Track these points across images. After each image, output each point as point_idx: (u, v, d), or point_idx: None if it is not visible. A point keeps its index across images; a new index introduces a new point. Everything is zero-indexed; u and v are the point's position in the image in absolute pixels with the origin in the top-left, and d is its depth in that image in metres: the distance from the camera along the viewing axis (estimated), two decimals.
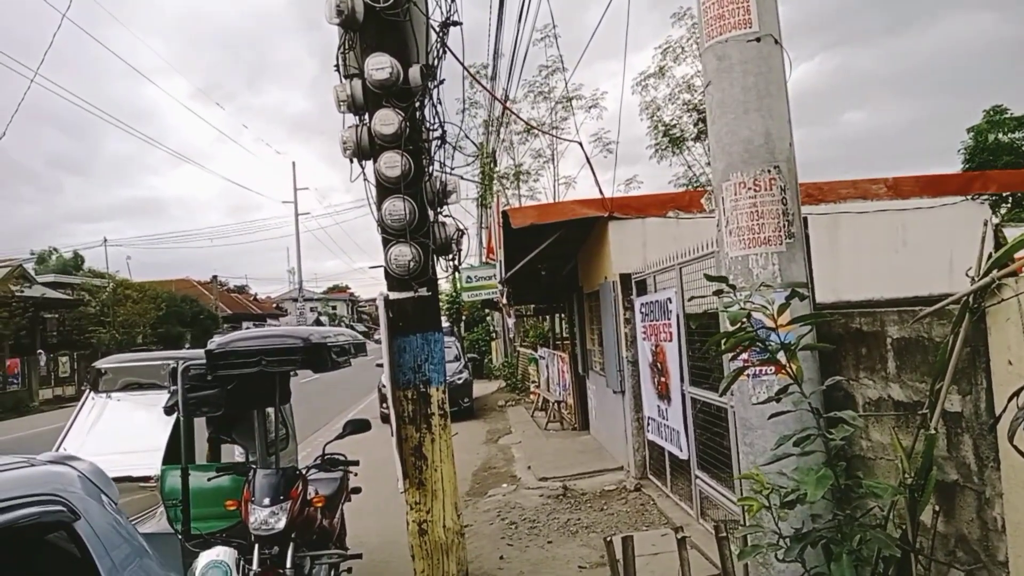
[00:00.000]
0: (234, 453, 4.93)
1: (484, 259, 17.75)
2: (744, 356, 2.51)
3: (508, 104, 14.83)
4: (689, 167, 16.35)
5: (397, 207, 4.04)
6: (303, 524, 3.53)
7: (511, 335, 20.90)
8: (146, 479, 4.53)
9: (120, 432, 4.89)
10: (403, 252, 4.09)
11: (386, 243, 4.18)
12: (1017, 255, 2.08)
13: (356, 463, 4.22)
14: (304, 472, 3.77)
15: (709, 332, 4.70)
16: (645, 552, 4.59)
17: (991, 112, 18.92)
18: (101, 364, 5.46)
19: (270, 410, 4.43)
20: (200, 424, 4.43)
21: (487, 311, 23.50)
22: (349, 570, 4.23)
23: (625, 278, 6.90)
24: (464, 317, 25.64)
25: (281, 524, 3.33)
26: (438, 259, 4.42)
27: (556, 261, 9.78)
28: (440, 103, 4.38)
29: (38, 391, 25.18)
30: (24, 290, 25.54)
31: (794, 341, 2.29)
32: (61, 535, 1.91)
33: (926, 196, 7.27)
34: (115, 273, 33.09)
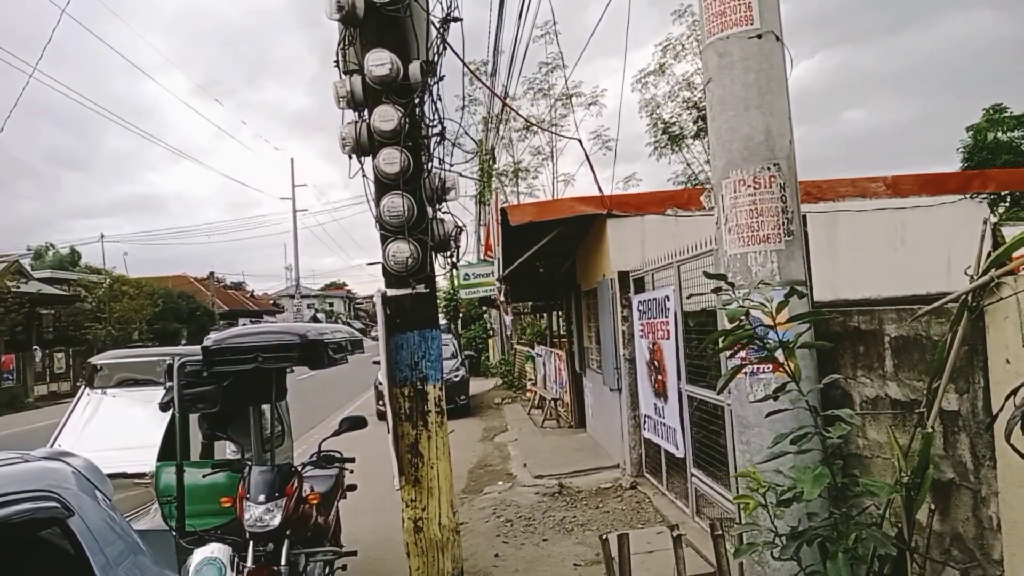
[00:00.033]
0: (226, 450, 4.91)
1: (483, 256, 17.73)
2: (742, 354, 2.51)
3: (508, 101, 14.80)
4: (688, 165, 16.36)
5: (396, 203, 4.03)
6: (298, 521, 3.52)
7: (508, 332, 20.91)
8: (141, 475, 4.52)
9: (115, 428, 4.88)
10: (401, 249, 4.08)
11: (384, 239, 4.17)
12: (1015, 254, 2.08)
13: (352, 460, 4.21)
14: (300, 469, 3.77)
15: (706, 330, 4.70)
16: (641, 550, 4.59)
17: (990, 111, 18.96)
18: (97, 360, 5.45)
19: (266, 407, 4.42)
20: (194, 421, 4.42)
21: (484, 308, 23.49)
22: (344, 567, 4.23)
23: (623, 276, 6.89)
24: (461, 314, 25.64)
25: (276, 521, 3.32)
26: (436, 256, 4.41)
27: (554, 259, 9.78)
28: (440, 99, 4.37)
29: (33, 387, 25.19)
30: (20, 286, 25.47)
31: (792, 339, 2.29)
32: (55, 531, 1.90)
33: (925, 195, 7.28)
34: (112, 269, 33.01)
